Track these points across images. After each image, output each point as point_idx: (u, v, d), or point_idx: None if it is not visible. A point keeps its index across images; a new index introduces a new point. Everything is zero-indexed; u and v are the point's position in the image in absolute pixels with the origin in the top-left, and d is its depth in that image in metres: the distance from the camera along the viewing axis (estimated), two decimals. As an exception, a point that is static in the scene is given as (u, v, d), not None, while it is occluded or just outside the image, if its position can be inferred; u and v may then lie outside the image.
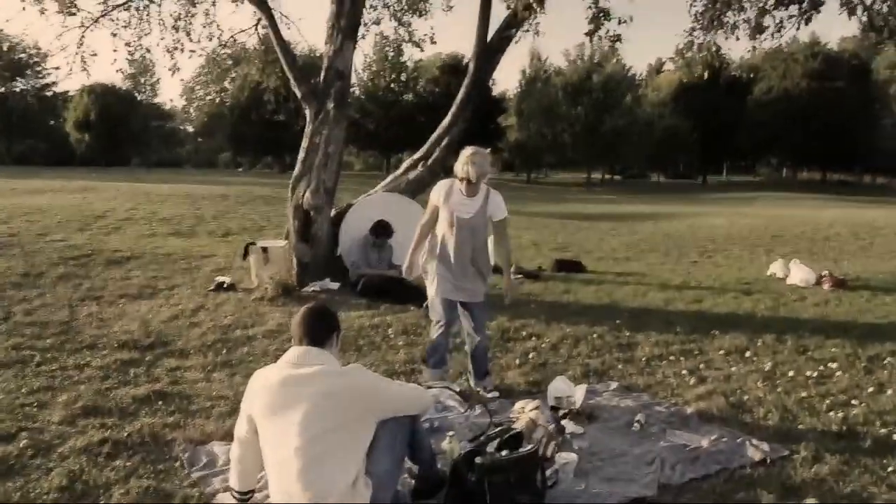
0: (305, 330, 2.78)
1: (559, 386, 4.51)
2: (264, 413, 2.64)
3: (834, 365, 5.55)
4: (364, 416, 2.66)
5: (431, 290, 4.76)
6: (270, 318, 6.40)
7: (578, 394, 4.40)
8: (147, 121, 57.87)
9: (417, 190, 8.20)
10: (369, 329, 6.19)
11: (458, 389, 4.12)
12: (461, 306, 4.76)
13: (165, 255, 9.61)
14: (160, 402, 4.04)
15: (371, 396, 2.68)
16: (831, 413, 4.52)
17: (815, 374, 5.34)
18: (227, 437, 3.57)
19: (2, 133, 52.15)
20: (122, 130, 52.86)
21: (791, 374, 5.34)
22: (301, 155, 7.85)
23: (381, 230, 7.74)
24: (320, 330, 2.81)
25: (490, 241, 4.90)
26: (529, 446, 3.09)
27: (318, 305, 2.93)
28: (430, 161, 8.18)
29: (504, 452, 3.01)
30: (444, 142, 8.15)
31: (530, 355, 5.64)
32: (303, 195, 7.74)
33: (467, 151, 4.45)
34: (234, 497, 2.82)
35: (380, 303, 7.10)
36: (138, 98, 58.41)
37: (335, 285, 7.72)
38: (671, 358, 5.72)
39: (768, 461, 3.73)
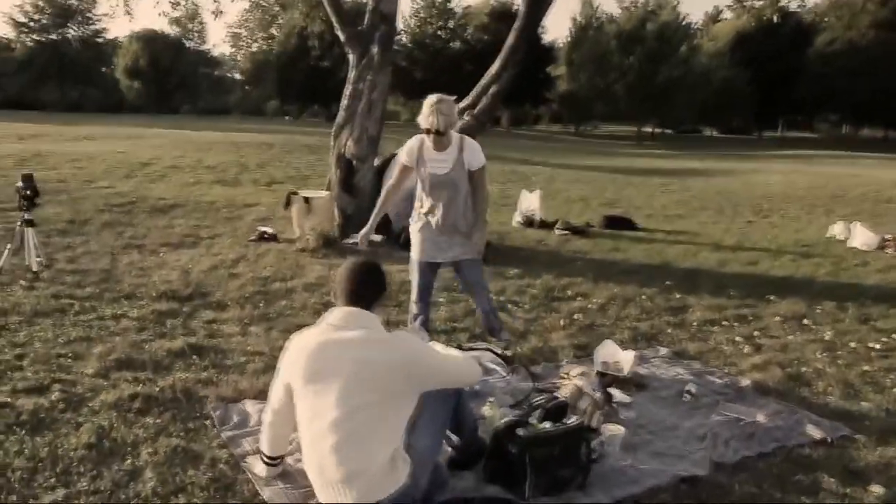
0: (351, 288, 2.55)
1: (607, 350, 4.30)
2: (301, 379, 2.45)
3: (901, 336, 5.22)
4: (406, 388, 2.46)
5: (413, 253, 4.34)
6: (311, 271, 6.30)
7: (627, 360, 4.19)
8: (195, 68, 58.14)
9: (463, 140, 7.92)
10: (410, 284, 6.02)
11: (499, 351, 3.95)
12: (454, 268, 4.40)
13: (209, 203, 9.59)
14: (195, 357, 3.96)
15: (414, 367, 2.47)
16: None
17: (880, 346, 5.02)
18: (261, 395, 3.47)
19: (54, 80, 53.01)
20: (170, 77, 53.28)
21: (853, 345, 5.03)
22: (344, 102, 7.63)
23: None
24: (367, 290, 2.58)
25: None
26: (575, 418, 2.90)
27: (366, 261, 2.68)
28: (476, 110, 7.87)
29: (548, 424, 2.83)
30: (493, 90, 7.83)
31: (576, 316, 5.42)
32: (345, 144, 7.55)
33: (431, 99, 3.93)
34: (264, 461, 2.71)
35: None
36: (186, 45, 58.63)
37: (378, 237, 7.54)
38: (724, 323, 5.45)
39: (829, 440, 3.49)
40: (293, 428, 2.59)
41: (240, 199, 10.19)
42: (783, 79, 49.51)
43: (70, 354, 3.85)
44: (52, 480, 2.58)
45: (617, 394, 3.80)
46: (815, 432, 3.56)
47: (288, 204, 7.86)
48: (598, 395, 3.53)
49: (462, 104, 8.10)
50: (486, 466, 2.88)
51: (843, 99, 47.58)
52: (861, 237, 9.08)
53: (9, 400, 3.21)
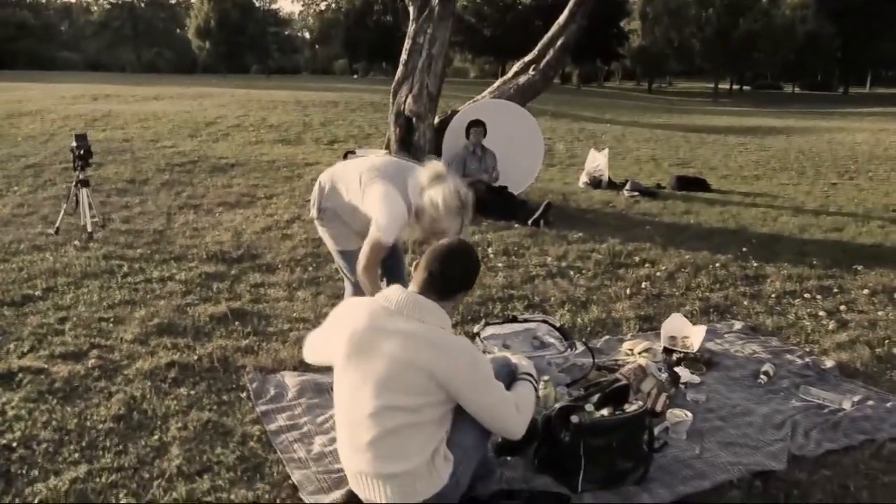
0: (429, 272, 2.21)
1: (675, 324, 3.97)
2: (342, 357, 2.20)
3: None
4: (445, 398, 2.17)
5: None
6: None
7: (697, 335, 3.85)
8: (264, 27, 58.54)
9: (528, 96, 7.55)
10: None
11: (557, 324, 3.67)
12: None
13: (269, 162, 9.50)
14: (237, 323, 3.83)
15: (456, 386, 2.14)
16: None
17: None
18: (300, 365, 3.31)
19: (130, 42, 54.28)
20: (240, 37, 53.77)
21: (953, 323, 4.52)
22: (403, 57, 7.34)
23: (474, 127, 7.17)
24: (447, 281, 2.23)
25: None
26: (637, 404, 2.61)
27: (463, 248, 2.32)
28: (542, 64, 7.46)
29: (605, 411, 2.55)
30: (559, 43, 7.40)
31: (643, 285, 5.08)
32: (404, 101, 7.28)
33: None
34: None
35: (481, 218, 6.64)
36: (256, 4, 58.99)
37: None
38: (806, 296, 5.00)
39: (928, 434, 3.09)
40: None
41: (300, 157, 10.07)
42: (871, 30, 46.25)
43: (112, 318, 3.77)
44: (77, 455, 2.48)
45: (685, 373, 3.48)
46: (909, 424, 3.17)
47: (344, 163, 7.68)
48: (664, 375, 3.23)
49: (527, 58, 7.72)
50: (537, 453, 2.63)
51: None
52: (962, 202, 8.31)
53: (45, 366, 3.14)
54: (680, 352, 3.74)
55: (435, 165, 2.93)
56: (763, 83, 58.26)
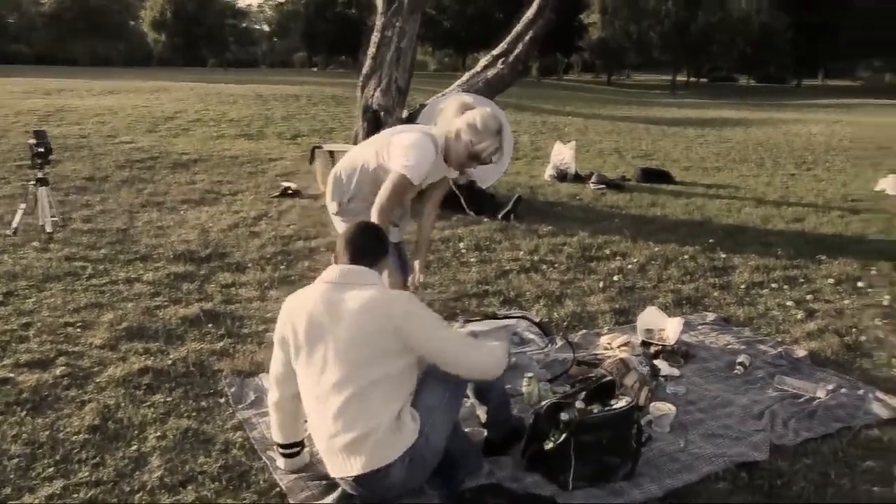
0: (352, 246, 2.33)
1: (651, 317, 3.99)
2: (300, 341, 2.24)
3: (967, 302, 4.81)
4: (401, 348, 2.21)
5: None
6: (335, 229, 6.00)
7: (673, 328, 3.87)
8: (221, 19, 57.41)
9: (497, 89, 7.51)
10: (439, 243, 5.75)
11: (537, 320, 3.66)
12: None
13: (231, 157, 9.33)
14: (210, 325, 3.73)
15: (403, 336, 2.19)
16: (970, 361, 3.87)
17: (945, 312, 4.64)
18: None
19: (83, 34, 52.77)
20: (197, 29, 52.68)
21: (916, 311, 4.64)
22: (371, 50, 7.23)
23: None
24: (368, 248, 2.35)
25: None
26: (625, 401, 2.60)
27: (366, 222, 2.50)
28: (511, 57, 7.43)
29: (595, 408, 2.54)
30: (528, 36, 7.37)
31: (615, 278, 5.10)
32: (372, 94, 7.19)
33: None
34: (281, 452, 2.45)
35: (450, 214, 6.61)
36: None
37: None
38: (773, 286, 5.09)
39: (900, 420, 3.17)
40: (301, 405, 2.35)
41: (263, 152, 9.92)
42: (824, 23, 47.36)
43: (79, 323, 3.63)
44: (51, 470, 2.37)
45: (664, 366, 3.50)
46: (881, 411, 3.24)
47: (312, 158, 7.57)
48: (645, 369, 3.24)
49: (495, 51, 7.69)
50: (526, 452, 2.61)
51: (886, 44, 45.45)
52: (915, 191, 8.56)
53: (11, 375, 3.00)
54: (657, 345, 3.76)
55: (460, 97, 2.94)
56: (719, 75, 59.16)
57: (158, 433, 2.60)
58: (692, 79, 54.48)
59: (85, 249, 5.01)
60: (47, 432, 2.58)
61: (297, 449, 2.45)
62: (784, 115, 21.84)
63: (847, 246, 6.27)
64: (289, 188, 7.39)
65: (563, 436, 2.48)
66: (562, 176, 9.31)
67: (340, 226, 3.19)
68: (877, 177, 10.10)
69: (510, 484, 2.48)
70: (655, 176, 9.62)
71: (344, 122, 13.78)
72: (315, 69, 52.34)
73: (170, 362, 3.21)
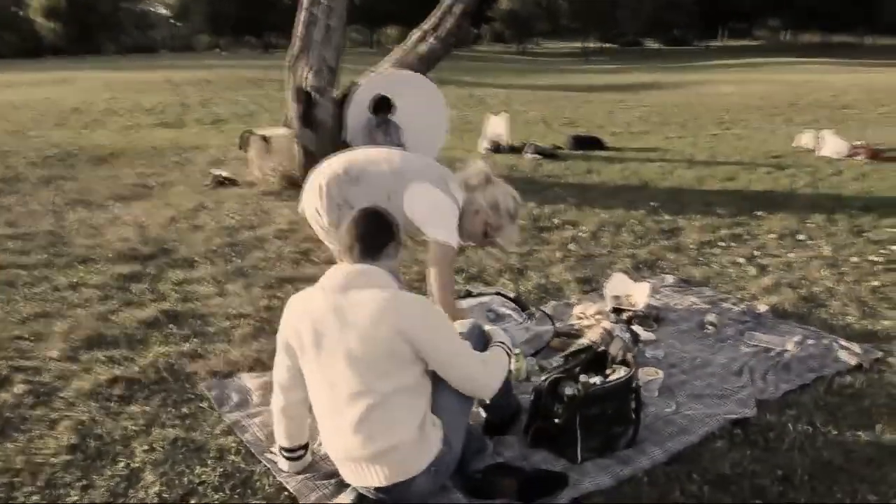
0: (352, 242, 2.17)
1: (618, 284, 4.03)
2: (309, 348, 2.11)
3: (896, 248, 5.09)
4: (410, 358, 2.10)
5: None
6: (279, 216, 5.83)
7: (641, 292, 3.92)
8: (117, 4, 54.44)
9: (430, 64, 7.40)
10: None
11: (512, 295, 3.63)
12: None
13: (153, 148, 8.89)
14: (172, 326, 3.53)
15: (417, 344, 2.07)
16: (912, 303, 4.09)
17: (880, 259, 4.89)
18: (257, 365, 3.11)
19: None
20: (90, 15, 49.79)
21: (854, 259, 4.88)
22: (299, 30, 6.97)
23: (381, 106, 7.04)
24: (371, 241, 2.19)
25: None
26: (623, 370, 2.61)
27: (368, 209, 2.30)
28: (442, 31, 7.31)
29: (597, 380, 2.54)
30: (458, 9, 7.27)
31: (570, 247, 5.14)
32: (304, 76, 6.94)
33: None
34: (285, 455, 2.33)
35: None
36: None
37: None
38: (721, 244, 5.24)
39: (865, 365, 3.31)
40: (309, 408, 2.24)
41: (186, 141, 9.50)
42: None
43: (29, 336, 3.36)
44: (36, 498, 2.17)
45: (640, 332, 3.54)
46: (848, 358, 3.38)
47: (244, 144, 7.28)
48: (626, 335, 3.26)
49: (425, 25, 7.56)
50: (529, 429, 2.59)
51: (783, 4, 47.63)
52: (831, 146, 8.99)
53: (-36, 399, 2.75)
54: (629, 310, 3.80)
55: (479, 165, 2.84)
56: (626, 41, 60.56)
57: (145, 446, 2.43)
58: (601, 45, 55.53)
59: (15, 256, 4.65)
60: (22, 457, 2.36)
61: (303, 452, 2.34)
62: (695, 77, 22.56)
63: (780, 201, 6.53)
64: (221, 176, 7.09)
65: (569, 410, 2.46)
66: (496, 148, 9.31)
67: (327, 241, 3.04)
68: (790, 132, 10.57)
69: (519, 462, 2.45)
70: (587, 143, 9.75)
71: (265, 105, 13.38)
72: (220, 51, 50.51)
73: (138, 369, 3.02)
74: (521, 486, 2.26)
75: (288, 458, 2.32)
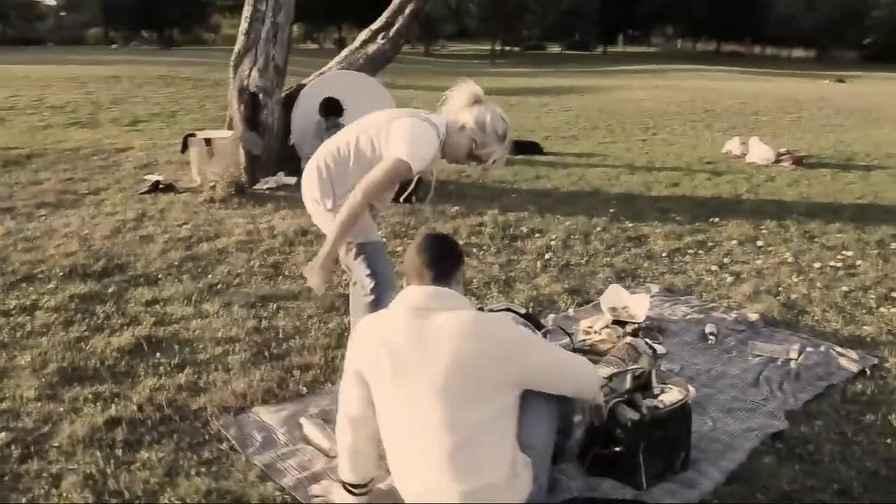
0: (429, 264, 2.05)
1: (614, 296, 3.98)
2: (386, 377, 1.95)
3: (849, 253, 5.31)
4: (510, 381, 1.99)
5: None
6: (233, 226, 5.46)
7: (641, 305, 3.89)
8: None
9: (378, 65, 7.18)
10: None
11: (522, 311, 3.49)
12: None
13: (72, 150, 8.21)
14: (157, 354, 3.19)
15: (518, 361, 1.98)
16: (883, 309, 4.25)
17: (840, 264, 5.07)
18: (269, 396, 2.84)
19: None
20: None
21: (817, 265, 5.04)
22: (243, 26, 6.60)
23: (332, 108, 6.77)
24: (446, 265, 2.08)
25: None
26: (677, 391, 2.52)
27: (438, 233, 2.23)
28: (391, 32, 7.10)
29: (659, 403, 2.44)
30: (408, 9, 7.08)
31: (547, 256, 5.07)
32: (248, 75, 6.57)
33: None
34: (350, 491, 2.14)
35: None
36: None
37: (291, 180, 6.77)
38: (690, 252, 5.31)
39: (866, 371, 3.39)
40: (379, 441, 2.07)
41: (106, 142, 8.83)
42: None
43: (-8, 371, 2.94)
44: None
45: (654, 345, 3.48)
46: (849, 365, 3.45)
47: (185, 148, 6.81)
48: (650, 351, 3.20)
49: (374, 25, 7.33)
50: (584, 456, 2.46)
51: (679, 13, 49.92)
52: (758, 152, 9.35)
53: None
54: (633, 323, 3.74)
55: (471, 86, 2.67)
56: (529, 44, 61.83)
57: (176, 501, 2.13)
58: (506, 48, 56.45)
59: (-54, 277, 4.11)
60: (33, 524, 2.02)
61: (369, 486, 2.14)
62: (609, 82, 23.18)
63: (730, 207, 6.70)
64: (158, 182, 6.60)
65: (633, 436, 2.36)
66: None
67: (331, 226, 2.78)
68: (714, 138, 10.97)
69: (588, 493, 2.33)
70: (527, 148, 9.75)
71: (185, 105, 12.69)
72: (114, 46, 47.92)
73: (135, 408, 2.68)
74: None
75: (354, 494, 2.14)
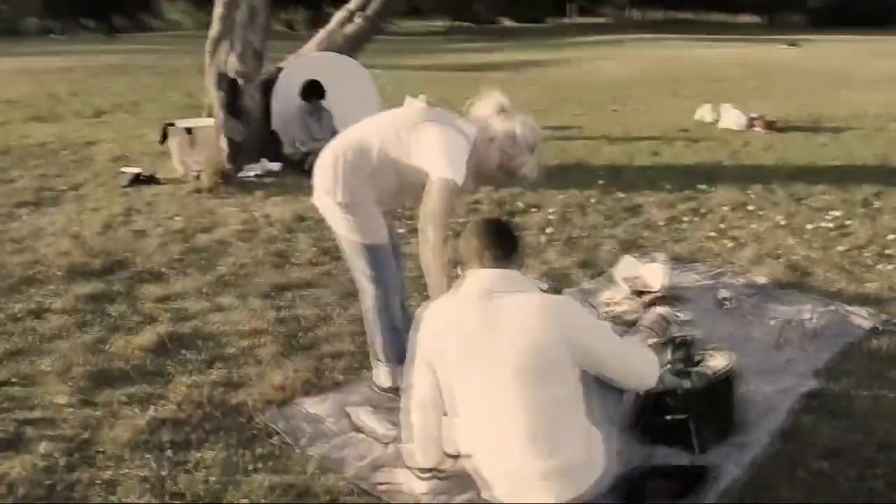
0: (495, 246, 2.04)
1: (627, 267, 4.02)
2: (457, 361, 1.96)
3: (838, 213, 5.46)
4: (577, 363, 1.99)
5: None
6: (227, 215, 5.35)
7: (655, 274, 3.92)
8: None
9: (357, 46, 7.07)
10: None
11: (545, 287, 3.49)
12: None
13: (38, 145, 7.92)
14: (183, 351, 3.11)
15: (586, 345, 1.99)
16: (880, 267, 4.37)
17: (832, 225, 5.21)
18: (310, 387, 2.80)
19: None
20: None
21: (810, 227, 5.16)
22: (218, 10, 6.40)
23: (312, 91, 6.65)
24: (510, 248, 2.08)
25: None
26: (722, 356, 2.57)
27: (499, 217, 2.21)
28: (370, 11, 6.98)
29: (704, 369, 2.48)
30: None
31: (548, 230, 5.09)
32: (226, 61, 6.39)
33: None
34: (421, 477, 2.14)
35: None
36: None
37: (276, 166, 6.65)
38: (685, 219, 5.39)
39: (879, 328, 3.49)
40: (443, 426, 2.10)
41: (73, 136, 8.54)
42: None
43: (15, 379, 2.83)
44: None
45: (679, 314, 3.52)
46: (862, 322, 3.55)
47: (164, 138, 6.62)
48: (682, 318, 3.23)
49: (350, 5, 7.19)
50: (636, 426, 2.48)
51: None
52: (731, 118, 9.50)
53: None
54: (650, 293, 3.78)
55: (496, 96, 2.58)
56: (482, 19, 61.42)
57: (244, 499, 2.09)
58: (460, 24, 56.02)
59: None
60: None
61: (440, 470, 2.16)
62: (568, 55, 23.22)
63: (714, 174, 6.80)
64: (139, 174, 6.41)
65: (686, 403, 2.40)
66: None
67: (343, 223, 2.67)
68: (684, 106, 11.08)
69: (648, 461, 2.35)
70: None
71: (144, 94, 12.35)
72: (54, 35, 46.23)
73: (175, 407, 2.61)
74: (673, 487, 2.17)
75: (423, 478, 2.15)
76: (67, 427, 2.48)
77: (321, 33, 7.29)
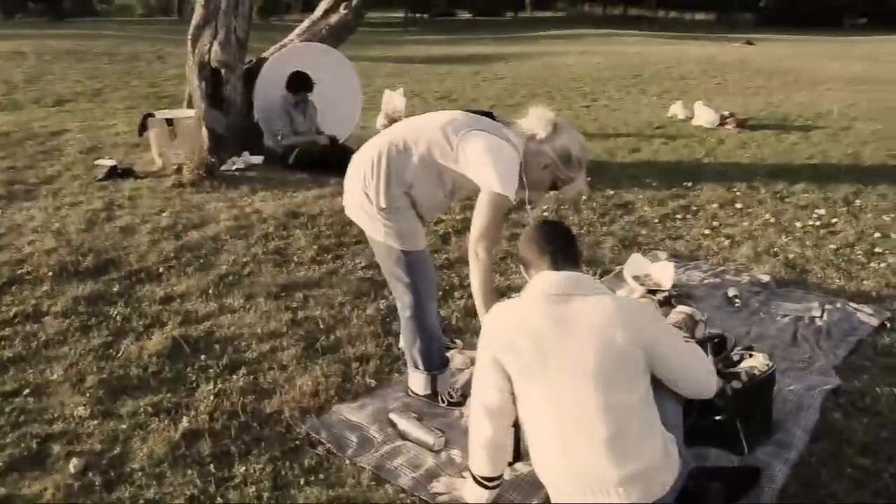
0: (555, 248, 2.07)
1: (636, 265, 4.03)
2: (531, 365, 1.92)
3: (822, 212, 5.56)
4: (648, 366, 1.99)
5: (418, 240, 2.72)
6: (216, 211, 5.17)
7: (663, 272, 3.94)
8: None
9: (341, 36, 6.91)
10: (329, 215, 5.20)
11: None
12: None
13: (3, 135, 7.54)
14: (202, 356, 2.98)
15: (657, 348, 1.98)
16: (873, 264, 4.47)
17: (818, 223, 5.31)
18: (344, 393, 2.71)
19: None
20: None
21: (798, 224, 5.25)
22: (201, -4, 6.19)
23: (300, 83, 6.48)
24: (572, 247, 2.11)
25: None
26: (762, 355, 2.59)
27: (553, 219, 2.20)
28: (353, 1, 6.84)
29: (755, 370, 2.50)
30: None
31: (546, 228, 5.04)
32: (209, 49, 6.18)
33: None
34: (484, 484, 2.08)
35: (324, 177, 6.00)
36: None
37: (258, 159, 6.49)
38: (678, 217, 5.44)
39: (886, 325, 3.57)
40: (511, 434, 2.09)
41: (36, 126, 8.16)
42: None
43: (27, 391, 2.66)
44: None
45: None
46: (869, 319, 3.63)
47: (144, 129, 6.37)
48: (705, 317, 3.24)
49: (335, -6, 7.03)
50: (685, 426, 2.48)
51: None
52: (704, 116, 9.62)
53: (14, 491, 2.08)
54: (661, 291, 3.79)
55: (545, 112, 2.52)
56: (439, 11, 61.21)
57: (302, 516, 2.00)
58: (415, 15, 55.73)
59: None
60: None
61: (500, 478, 2.11)
62: (531, 49, 23.23)
63: (696, 171, 6.87)
64: (116, 167, 6.16)
65: (734, 403, 2.41)
66: (393, 123, 8.96)
67: (383, 230, 2.56)
68: (654, 103, 11.20)
69: (698, 462, 2.35)
70: (484, 116, 9.67)
71: (106, 82, 11.91)
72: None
73: (207, 417, 2.49)
74: (727, 488, 2.18)
75: (489, 487, 2.09)
76: (94, 442, 2.35)
77: (305, 23, 7.12)
